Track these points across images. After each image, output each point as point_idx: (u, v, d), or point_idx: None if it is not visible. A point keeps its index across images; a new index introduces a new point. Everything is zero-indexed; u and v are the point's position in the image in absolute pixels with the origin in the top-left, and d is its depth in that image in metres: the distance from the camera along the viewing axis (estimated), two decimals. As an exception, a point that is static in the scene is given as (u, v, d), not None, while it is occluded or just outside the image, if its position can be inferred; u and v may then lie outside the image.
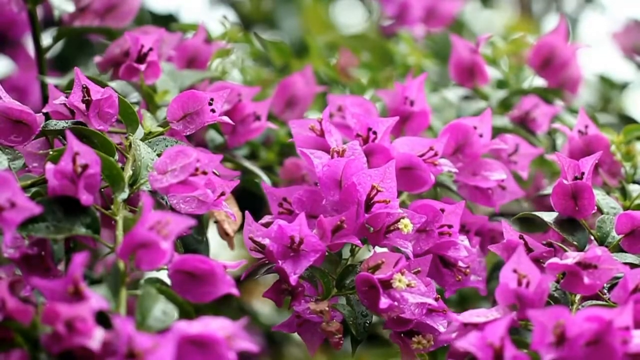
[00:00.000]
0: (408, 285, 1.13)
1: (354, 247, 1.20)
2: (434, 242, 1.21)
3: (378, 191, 1.16)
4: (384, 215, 1.17)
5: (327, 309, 1.15)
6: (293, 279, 1.13)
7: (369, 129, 1.26)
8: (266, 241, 1.17)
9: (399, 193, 1.22)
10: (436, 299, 1.15)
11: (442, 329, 1.15)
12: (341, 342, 1.16)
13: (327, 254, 1.17)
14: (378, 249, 1.18)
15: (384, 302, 1.12)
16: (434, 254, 1.21)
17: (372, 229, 1.19)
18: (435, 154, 1.27)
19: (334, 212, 1.18)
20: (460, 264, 1.23)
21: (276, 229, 1.14)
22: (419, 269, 1.17)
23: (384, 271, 1.14)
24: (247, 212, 1.20)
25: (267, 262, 1.19)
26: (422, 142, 1.27)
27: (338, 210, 1.18)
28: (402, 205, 1.24)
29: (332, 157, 1.20)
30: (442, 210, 1.22)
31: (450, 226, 1.22)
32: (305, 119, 1.34)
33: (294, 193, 1.22)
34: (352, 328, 1.16)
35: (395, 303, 1.13)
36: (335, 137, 1.24)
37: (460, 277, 1.23)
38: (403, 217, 1.17)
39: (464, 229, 1.31)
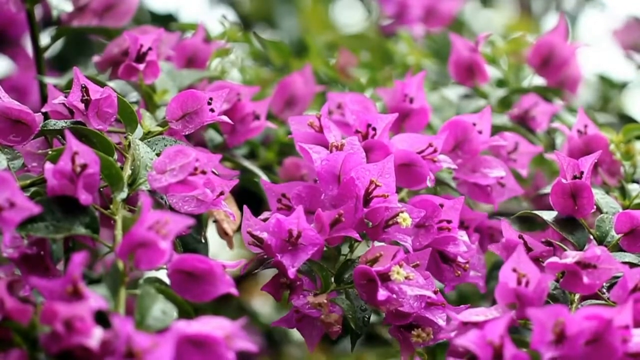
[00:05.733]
0: (406, 278, 1.12)
1: (352, 242, 1.20)
2: (433, 237, 1.21)
3: (377, 186, 1.16)
4: (383, 209, 1.17)
5: (325, 301, 1.15)
6: (291, 272, 1.13)
7: (369, 125, 1.26)
8: (264, 235, 1.17)
9: (398, 190, 1.22)
10: (435, 292, 1.15)
11: (441, 322, 1.15)
12: (340, 331, 1.16)
13: (325, 249, 1.17)
14: (377, 244, 1.18)
15: (382, 293, 1.12)
16: (433, 249, 1.21)
17: (370, 223, 1.18)
18: (435, 151, 1.26)
19: (333, 207, 1.18)
20: (460, 259, 1.23)
21: (274, 223, 1.14)
22: (418, 262, 1.17)
23: (382, 264, 1.13)
24: (245, 206, 1.20)
25: (265, 256, 1.19)
26: (421, 139, 1.27)
27: (336, 205, 1.18)
28: (401, 201, 1.23)
29: (331, 152, 1.20)
30: (441, 206, 1.21)
31: (449, 221, 1.21)
32: (304, 115, 1.34)
33: (292, 189, 1.22)
34: (351, 322, 1.16)
35: (394, 295, 1.13)
36: (334, 132, 1.24)
37: (459, 272, 1.23)
38: (402, 212, 1.16)
39: (463, 225, 1.31)
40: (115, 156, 1.15)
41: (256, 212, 1.22)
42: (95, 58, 1.44)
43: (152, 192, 1.12)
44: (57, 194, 1.07)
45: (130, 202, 1.12)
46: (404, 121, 1.40)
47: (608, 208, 1.26)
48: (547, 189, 1.30)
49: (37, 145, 1.22)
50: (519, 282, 1.06)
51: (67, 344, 0.94)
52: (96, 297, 0.97)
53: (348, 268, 1.18)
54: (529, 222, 1.39)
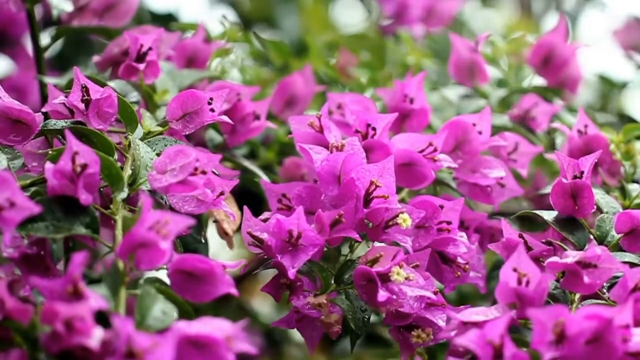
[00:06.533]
0: (406, 278, 1.12)
1: (352, 242, 1.20)
2: (432, 238, 1.21)
3: (377, 186, 1.16)
4: (383, 210, 1.17)
5: (325, 302, 1.15)
6: (291, 273, 1.13)
7: (368, 125, 1.26)
8: (264, 235, 1.17)
9: (399, 190, 1.22)
10: (435, 293, 1.15)
11: (441, 323, 1.15)
12: (340, 331, 1.16)
13: (325, 249, 1.17)
14: (377, 244, 1.18)
15: (382, 294, 1.12)
16: (432, 250, 1.21)
17: (370, 224, 1.18)
18: (435, 150, 1.26)
19: (333, 208, 1.18)
20: (460, 260, 1.23)
21: (274, 223, 1.14)
22: (418, 263, 1.17)
23: (382, 264, 1.13)
24: (245, 207, 1.20)
25: (265, 257, 1.19)
26: (421, 138, 1.27)
27: (337, 205, 1.18)
28: (402, 202, 1.24)
29: (331, 152, 1.20)
30: (441, 207, 1.22)
31: (449, 222, 1.21)
32: (305, 115, 1.34)
33: (293, 189, 1.22)
34: (351, 322, 1.16)
35: (394, 296, 1.13)
36: (334, 133, 1.24)
37: (459, 273, 1.23)
38: (402, 212, 1.16)
39: (463, 226, 1.31)
40: (116, 156, 1.15)
41: (256, 212, 1.22)
42: (96, 58, 1.44)
43: (152, 192, 1.12)
44: (57, 194, 1.07)
45: (131, 202, 1.12)
46: (404, 122, 1.40)
47: (608, 208, 1.26)
48: (548, 189, 1.30)
49: (37, 145, 1.22)
50: (520, 282, 1.06)
51: (67, 344, 0.94)
52: (96, 297, 0.97)
53: (348, 268, 1.18)
54: (529, 222, 1.38)
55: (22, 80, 2.06)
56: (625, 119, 1.79)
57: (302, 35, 2.12)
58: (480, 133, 1.33)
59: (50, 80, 1.40)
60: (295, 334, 1.23)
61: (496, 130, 1.42)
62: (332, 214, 1.16)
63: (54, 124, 1.18)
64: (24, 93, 2.02)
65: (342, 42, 1.92)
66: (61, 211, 1.06)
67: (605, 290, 1.14)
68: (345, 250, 1.22)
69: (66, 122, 1.18)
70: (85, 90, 1.17)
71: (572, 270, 1.11)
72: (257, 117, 1.39)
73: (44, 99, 1.42)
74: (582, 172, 1.21)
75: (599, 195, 1.27)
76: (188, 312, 1.03)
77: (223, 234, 1.32)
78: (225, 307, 1.93)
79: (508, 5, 2.75)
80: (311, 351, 1.21)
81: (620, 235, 1.21)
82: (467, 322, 1.08)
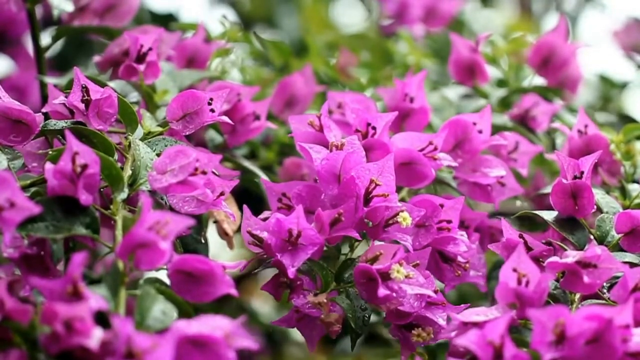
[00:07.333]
0: (406, 276, 1.12)
1: (352, 241, 1.20)
2: (432, 237, 1.21)
3: (377, 185, 1.16)
4: (383, 208, 1.17)
5: (325, 301, 1.15)
6: (291, 272, 1.13)
7: (368, 124, 1.26)
8: (264, 234, 1.17)
9: (399, 189, 1.22)
10: (435, 291, 1.15)
11: (441, 322, 1.15)
12: (340, 330, 1.16)
13: (325, 248, 1.17)
14: (377, 243, 1.18)
15: (382, 291, 1.12)
16: (433, 248, 1.21)
17: (370, 223, 1.18)
18: (435, 149, 1.26)
19: (333, 207, 1.18)
20: (460, 259, 1.23)
21: (274, 222, 1.14)
22: (418, 262, 1.17)
23: (382, 262, 1.13)
24: (245, 206, 1.20)
25: (265, 256, 1.19)
26: (422, 137, 1.27)
27: (337, 204, 1.18)
28: (402, 201, 1.24)
29: (331, 151, 1.20)
30: (441, 206, 1.22)
31: (449, 221, 1.22)
32: (304, 115, 1.34)
33: (293, 188, 1.22)
34: (351, 321, 1.16)
35: (394, 294, 1.13)
36: (334, 132, 1.24)
37: (459, 272, 1.23)
38: (402, 211, 1.17)
39: (463, 225, 1.31)
40: (116, 156, 1.15)
41: (256, 213, 1.22)
42: (96, 58, 1.44)
43: (152, 193, 1.12)
44: (57, 194, 1.07)
45: (131, 202, 1.12)
46: (404, 121, 1.40)
47: (608, 208, 1.26)
48: (548, 189, 1.30)
49: (37, 146, 1.22)
50: (519, 282, 1.06)
51: (67, 344, 0.94)
52: (96, 298, 0.97)
53: (348, 267, 1.18)
54: (529, 222, 1.38)
55: (23, 80, 2.06)
56: (625, 119, 1.79)
57: (302, 35, 2.12)
58: (480, 132, 1.33)
59: (50, 80, 1.40)
60: (295, 334, 1.23)
61: (496, 129, 1.42)
62: (332, 213, 1.16)
63: (54, 124, 1.18)
64: (24, 93, 2.02)
65: (342, 42, 1.92)
66: (61, 211, 1.06)
67: (605, 290, 1.14)
68: (345, 249, 1.22)
69: (66, 123, 1.18)
70: (85, 90, 1.17)
71: (572, 270, 1.11)
72: (257, 118, 1.39)
73: (44, 99, 1.42)
74: (582, 172, 1.21)
75: (599, 195, 1.27)
76: (188, 313, 1.03)
77: (223, 234, 1.32)
78: (225, 306, 1.92)
79: (508, 5, 2.75)
80: (311, 350, 1.21)
81: (620, 235, 1.21)
82: (468, 322, 1.08)
